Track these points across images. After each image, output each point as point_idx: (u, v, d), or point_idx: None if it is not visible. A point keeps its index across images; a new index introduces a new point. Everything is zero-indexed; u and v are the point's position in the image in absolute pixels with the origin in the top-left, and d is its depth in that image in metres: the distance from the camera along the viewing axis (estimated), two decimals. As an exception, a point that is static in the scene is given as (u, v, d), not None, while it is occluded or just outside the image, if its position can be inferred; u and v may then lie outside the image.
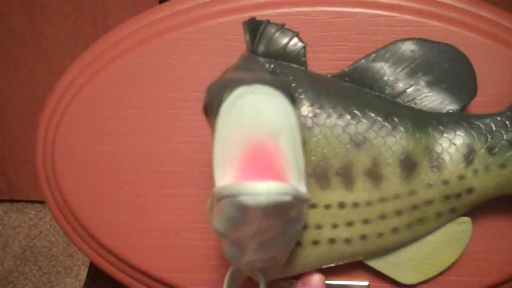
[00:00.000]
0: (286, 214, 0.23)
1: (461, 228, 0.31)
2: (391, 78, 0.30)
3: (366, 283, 0.33)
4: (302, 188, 0.24)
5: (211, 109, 0.26)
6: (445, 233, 0.31)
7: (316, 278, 0.32)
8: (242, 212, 0.21)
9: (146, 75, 0.34)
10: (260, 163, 0.22)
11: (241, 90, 0.24)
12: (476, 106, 0.32)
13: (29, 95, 0.92)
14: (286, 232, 0.25)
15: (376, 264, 0.32)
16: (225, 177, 0.23)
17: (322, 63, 0.32)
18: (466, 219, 0.31)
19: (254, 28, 0.30)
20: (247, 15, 0.32)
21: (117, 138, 0.34)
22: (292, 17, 0.32)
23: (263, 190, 0.21)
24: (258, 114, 0.23)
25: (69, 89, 0.35)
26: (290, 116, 0.24)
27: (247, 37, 0.30)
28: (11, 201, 1.02)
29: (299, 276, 0.33)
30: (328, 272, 0.33)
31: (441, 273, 0.33)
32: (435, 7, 0.32)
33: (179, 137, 0.34)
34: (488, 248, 0.33)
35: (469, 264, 0.33)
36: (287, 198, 0.21)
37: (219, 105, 0.24)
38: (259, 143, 0.23)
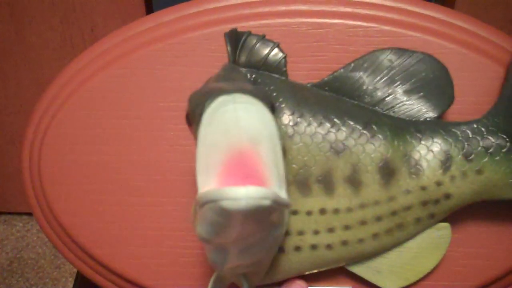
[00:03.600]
0: (266, 219, 0.23)
1: (440, 234, 0.32)
2: (370, 87, 0.31)
3: (348, 288, 0.34)
4: (283, 194, 0.24)
5: (193, 118, 0.26)
6: (425, 239, 0.32)
7: (299, 283, 0.33)
8: (224, 216, 0.22)
9: (132, 86, 0.34)
10: (241, 169, 0.23)
11: (222, 99, 0.24)
12: (454, 113, 0.32)
13: (17, 107, 0.92)
14: (267, 237, 0.25)
15: (358, 270, 0.33)
16: (208, 184, 0.23)
17: (302, 73, 0.33)
18: (445, 224, 0.32)
19: (236, 39, 0.30)
20: (229, 27, 0.33)
21: (103, 147, 0.35)
22: (274, 28, 0.33)
23: (243, 194, 0.21)
24: (239, 122, 0.23)
25: (55, 99, 0.35)
26: (270, 124, 0.25)
27: (228, 48, 0.30)
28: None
29: (282, 283, 0.33)
30: (311, 279, 0.33)
31: (422, 278, 0.33)
32: (412, 17, 0.33)
33: (164, 146, 0.34)
34: (468, 254, 0.33)
35: (449, 269, 0.34)
36: (266, 202, 0.21)
37: (201, 114, 0.25)
38: (240, 150, 0.23)
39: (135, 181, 0.35)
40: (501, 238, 0.33)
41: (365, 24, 0.33)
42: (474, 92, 0.33)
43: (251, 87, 0.26)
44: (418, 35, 0.33)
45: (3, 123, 0.95)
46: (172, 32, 0.34)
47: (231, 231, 0.23)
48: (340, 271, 0.33)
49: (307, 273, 0.32)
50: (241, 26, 0.33)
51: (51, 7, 0.79)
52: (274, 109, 0.27)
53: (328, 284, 0.34)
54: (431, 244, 0.32)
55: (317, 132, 0.30)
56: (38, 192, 0.36)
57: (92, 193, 0.35)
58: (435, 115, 0.31)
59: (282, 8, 0.34)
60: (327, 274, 0.33)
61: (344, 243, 0.31)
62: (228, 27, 0.33)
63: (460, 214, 0.32)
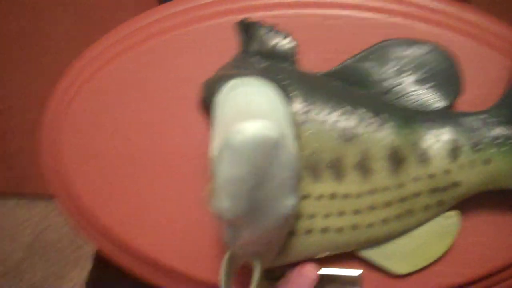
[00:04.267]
0: (275, 159, 0.24)
1: (449, 222, 0.32)
2: (379, 77, 0.31)
3: (359, 271, 0.35)
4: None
5: (207, 102, 0.27)
6: (434, 226, 0.32)
7: (310, 267, 0.34)
8: (236, 155, 0.23)
9: (143, 76, 0.35)
10: None
11: (233, 82, 0.25)
12: (463, 104, 0.33)
13: (38, 93, 0.94)
14: (278, 203, 0.26)
15: (368, 255, 0.33)
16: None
17: (312, 63, 0.33)
18: (454, 212, 0.32)
19: (247, 29, 0.31)
20: (239, 17, 0.33)
21: (118, 133, 0.36)
22: (283, 19, 0.33)
23: (251, 126, 0.23)
24: (250, 103, 0.24)
25: (72, 84, 0.37)
26: (280, 107, 0.26)
27: (240, 37, 0.31)
28: (21, 194, 1.04)
29: (294, 266, 0.34)
30: (322, 263, 0.34)
31: (432, 264, 0.34)
32: (421, 10, 0.33)
33: (177, 134, 0.35)
34: (478, 242, 0.34)
35: (459, 256, 0.34)
36: (273, 133, 0.23)
37: (214, 98, 0.26)
38: None
39: (153, 165, 0.36)
40: (509, 228, 0.34)
41: (374, 15, 0.33)
42: (483, 84, 0.33)
43: (261, 73, 0.27)
44: (427, 27, 0.33)
45: (24, 109, 0.97)
46: (182, 22, 0.35)
47: (244, 178, 0.24)
48: (350, 256, 0.34)
49: (318, 256, 0.33)
50: (251, 16, 0.34)
51: (65, 2, 0.81)
52: (283, 93, 0.28)
53: (338, 267, 0.35)
54: (440, 232, 0.33)
55: (328, 120, 0.30)
56: (60, 175, 0.38)
57: (113, 175, 0.36)
58: (444, 105, 0.31)
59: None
60: (337, 259, 0.34)
61: (354, 227, 0.31)
62: (237, 17, 0.34)
63: (469, 204, 0.33)
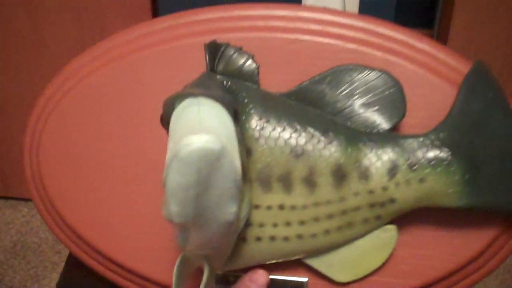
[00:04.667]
0: (217, 169, 0.27)
1: (387, 235, 0.35)
2: (331, 99, 0.34)
3: (305, 279, 0.37)
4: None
5: (166, 118, 0.30)
6: (373, 238, 0.35)
7: (261, 273, 0.36)
8: (183, 166, 0.26)
9: (122, 87, 0.38)
10: None
11: (188, 101, 0.28)
12: (410, 127, 0.35)
13: (28, 99, 0.96)
14: (221, 209, 0.28)
15: (313, 262, 0.36)
16: None
17: (275, 83, 0.36)
18: (392, 226, 0.35)
19: (215, 49, 0.34)
20: (212, 37, 0.36)
21: (95, 139, 0.38)
22: (251, 42, 0.36)
23: (196, 139, 0.25)
24: (201, 122, 0.27)
25: (55, 93, 0.39)
26: (229, 125, 0.28)
27: (207, 57, 0.34)
28: (6, 198, 1.05)
29: (246, 271, 0.37)
30: (272, 269, 0.37)
31: (371, 274, 0.36)
32: (377, 38, 0.36)
33: (146, 145, 0.38)
34: (414, 254, 0.37)
35: (397, 268, 0.37)
36: (216, 146, 0.25)
37: (170, 114, 0.29)
38: None
39: (126, 172, 0.38)
40: (445, 242, 0.36)
41: (333, 41, 0.36)
42: (428, 109, 0.36)
43: (219, 93, 0.30)
44: (380, 54, 0.36)
45: (13, 112, 0.99)
46: (159, 40, 0.38)
47: (191, 188, 0.27)
48: (299, 264, 0.37)
49: (267, 262, 0.36)
50: (223, 37, 0.37)
51: (64, 7, 0.84)
52: (237, 115, 0.30)
53: (287, 275, 0.37)
54: (379, 243, 0.35)
55: (281, 137, 0.33)
56: (36, 178, 0.40)
57: (86, 181, 0.39)
58: (388, 127, 0.34)
59: (261, 23, 0.37)
60: (287, 266, 0.37)
61: (299, 236, 0.34)
62: (210, 38, 0.37)
63: (408, 218, 0.36)
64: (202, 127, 0.27)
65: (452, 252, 0.36)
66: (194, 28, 0.38)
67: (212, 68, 0.34)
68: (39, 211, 0.42)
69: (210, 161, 0.26)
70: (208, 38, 0.37)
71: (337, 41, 0.36)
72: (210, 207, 0.28)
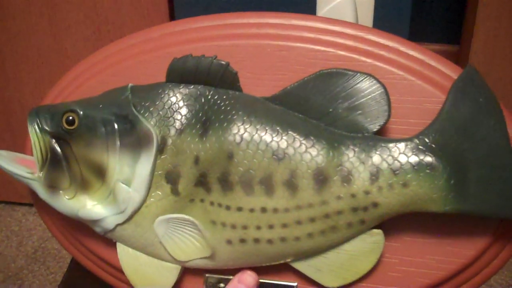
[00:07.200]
0: None
1: (374, 239, 0.35)
2: (315, 103, 0.34)
3: (294, 283, 0.37)
4: None
5: None
6: (359, 243, 0.35)
7: (249, 273, 0.37)
8: None
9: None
10: None
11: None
12: (397, 133, 0.35)
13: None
14: None
15: (301, 267, 0.36)
16: None
17: (265, 89, 0.37)
18: (378, 231, 0.35)
19: (196, 61, 0.35)
20: (208, 44, 0.37)
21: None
22: (244, 48, 0.37)
23: None
24: None
25: (58, 98, 0.41)
26: None
27: (187, 69, 0.35)
28: (31, 205, 1.08)
29: (235, 273, 0.37)
30: (262, 273, 0.37)
31: (361, 280, 0.36)
32: (367, 45, 0.36)
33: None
34: (404, 261, 0.36)
35: (386, 275, 0.37)
36: None
37: None
38: None
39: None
40: (436, 249, 0.36)
41: (323, 48, 0.36)
42: (419, 116, 0.35)
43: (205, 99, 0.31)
44: (369, 61, 0.36)
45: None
46: (156, 47, 0.39)
47: None
48: (288, 268, 0.37)
49: (254, 265, 0.36)
50: (217, 44, 0.37)
51: (85, 19, 0.86)
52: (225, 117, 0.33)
53: (277, 279, 0.38)
54: (366, 248, 0.35)
55: (262, 140, 0.34)
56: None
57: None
58: (372, 131, 0.34)
59: (254, 31, 0.38)
60: (277, 271, 0.37)
61: (283, 239, 0.34)
62: (207, 45, 0.38)
63: (398, 225, 0.36)
64: None
65: (441, 260, 0.36)
66: (189, 35, 0.39)
67: (192, 78, 0.35)
68: (39, 214, 0.43)
69: None
70: (202, 45, 0.38)
71: (328, 48, 0.37)
72: None
